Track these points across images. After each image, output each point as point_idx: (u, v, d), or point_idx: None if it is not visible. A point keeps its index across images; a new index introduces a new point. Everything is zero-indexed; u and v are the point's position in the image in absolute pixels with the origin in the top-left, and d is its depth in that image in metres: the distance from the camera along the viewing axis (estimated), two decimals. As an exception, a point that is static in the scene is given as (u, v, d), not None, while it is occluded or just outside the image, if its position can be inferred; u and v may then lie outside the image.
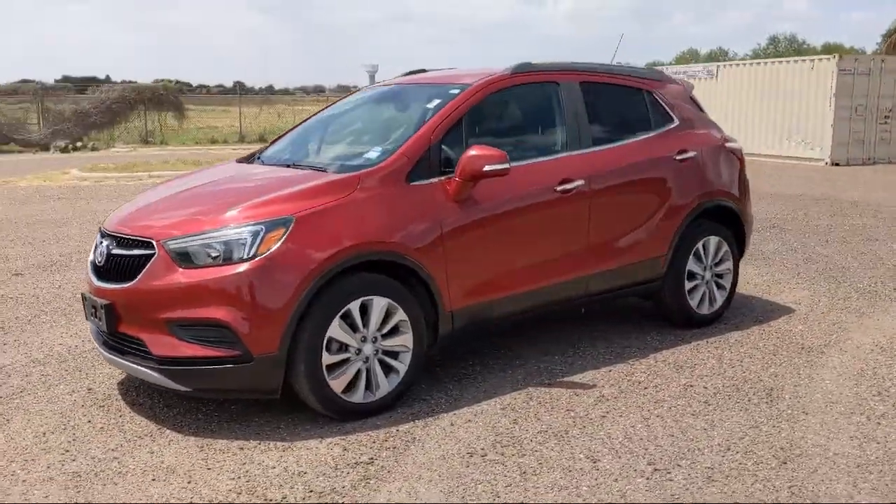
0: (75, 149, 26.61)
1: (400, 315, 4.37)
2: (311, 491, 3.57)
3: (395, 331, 4.40)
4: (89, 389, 4.82)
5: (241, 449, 4.00)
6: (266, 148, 5.58)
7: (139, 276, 4.13)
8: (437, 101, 4.91)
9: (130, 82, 31.82)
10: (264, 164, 5.18)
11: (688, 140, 5.80)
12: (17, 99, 28.70)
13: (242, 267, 3.98)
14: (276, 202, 4.23)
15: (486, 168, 4.51)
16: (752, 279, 7.43)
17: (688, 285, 5.81)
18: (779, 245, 9.11)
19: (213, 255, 4.04)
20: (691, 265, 5.80)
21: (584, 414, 4.37)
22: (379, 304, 4.28)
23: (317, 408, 4.23)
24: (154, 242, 4.15)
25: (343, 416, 4.27)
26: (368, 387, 4.34)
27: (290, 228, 4.08)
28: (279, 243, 4.03)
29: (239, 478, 3.69)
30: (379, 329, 4.33)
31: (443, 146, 4.66)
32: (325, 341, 4.12)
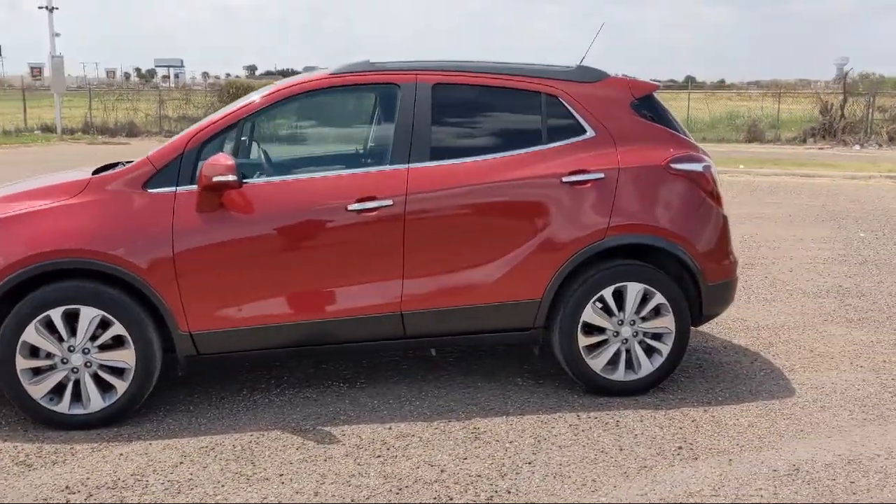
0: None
1: (118, 329, 4.16)
2: None
3: (118, 344, 4.19)
4: None
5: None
6: None
7: None
8: (241, 102, 4.53)
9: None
10: None
11: (596, 158, 4.55)
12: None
13: None
14: (7, 200, 4.29)
15: (215, 179, 4.08)
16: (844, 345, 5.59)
17: (584, 341, 4.58)
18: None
19: None
20: (591, 316, 4.56)
21: (254, 473, 3.76)
22: (88, 314, 4.12)
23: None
24: None
25: (48, 424, 4.20)
26: (78, 399, 4.20)
27: None
28: None
29: None
30: (94, 340, 4.15)
31: (204, 153, 4.28)
32: (19, 345, 4.08)
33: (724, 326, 6.01)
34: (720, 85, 66.22)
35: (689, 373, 5.04)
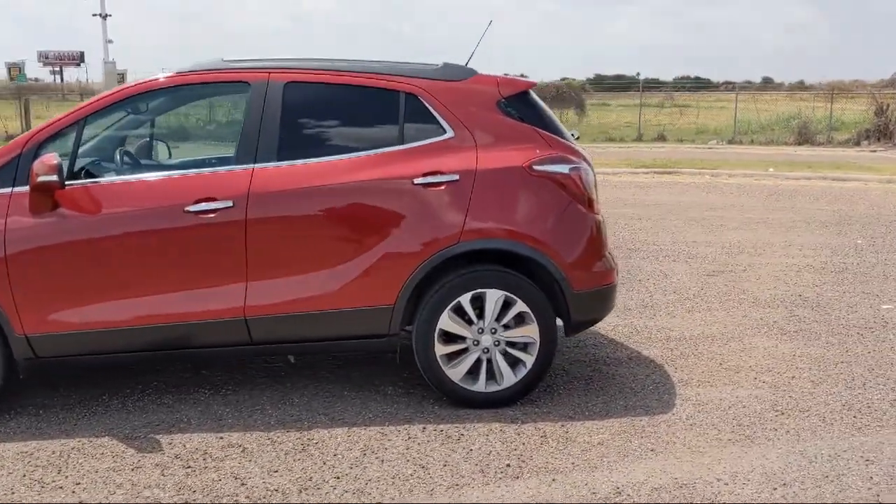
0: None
1: (-52, 330, 4.13)
2: None
3: (-49, 346, 4.17)
4: None
5: None
6: None
7: None
8: (86, 101, 4.48)
9: (653, 80, 32.59)
10: None
11: (453, 159, 4.34)
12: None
13: None
14: None
15: (40, 179, 4.02)
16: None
17: (442, 350, 4.37)
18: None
19: None
20: (448, 324, 4.35)
21: (53, 481, 3.67)
22: (-83, 316, 4.10)
23: None
24: None
25: None
26: (-84, 400, 4.19)
27: None
28: None
29: None
30: (-74, 342, 4.14)
31: (43, 152, 4.23)
32: None
33: (643, 336, 5.70)
34: (798, 86, 64.09)
35: (572, 384, 4.78)
